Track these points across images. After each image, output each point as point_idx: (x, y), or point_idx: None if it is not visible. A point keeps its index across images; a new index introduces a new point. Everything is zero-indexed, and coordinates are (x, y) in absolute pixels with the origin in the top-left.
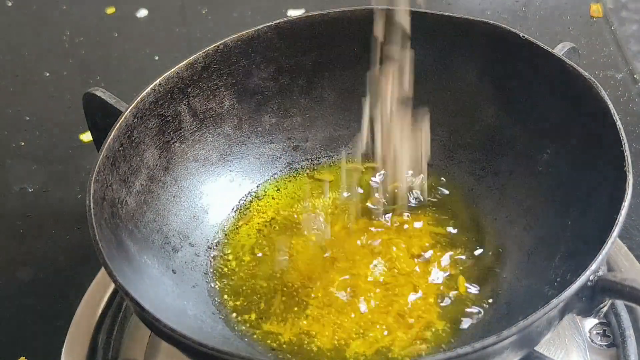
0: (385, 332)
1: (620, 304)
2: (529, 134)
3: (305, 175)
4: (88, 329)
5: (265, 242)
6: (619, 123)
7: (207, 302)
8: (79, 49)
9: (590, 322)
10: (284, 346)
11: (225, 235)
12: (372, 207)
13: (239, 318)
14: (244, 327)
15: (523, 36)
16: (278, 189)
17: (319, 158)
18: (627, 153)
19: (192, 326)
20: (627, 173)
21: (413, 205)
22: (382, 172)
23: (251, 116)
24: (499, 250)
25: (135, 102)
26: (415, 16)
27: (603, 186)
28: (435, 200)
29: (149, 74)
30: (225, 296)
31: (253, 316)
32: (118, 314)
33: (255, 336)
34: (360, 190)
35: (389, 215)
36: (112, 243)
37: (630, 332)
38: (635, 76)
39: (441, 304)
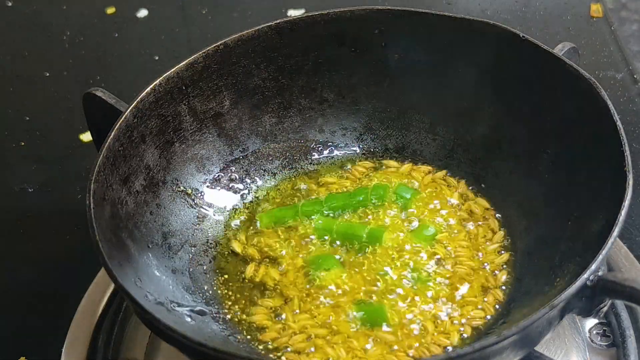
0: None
1: (620, 304)
2: (529, 134)
3: (305, 175)
4: (88, 329)
5: (266, 243)
6: (619, 123)
7: (207, 302)
8: (79, 49)
9: (590, 322)
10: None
11: (225, 235)
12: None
13: (239, 318)
14: (244, 328)
15: (523, 36)
16: (278, 189)
17: (319, 158)
18: (627, 153)
19: (192, 326)
20: (627, 173)
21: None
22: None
23: (251, 116)
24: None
25: (135, 102)
26: (415, 16)
27: (603, 186)
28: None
29: (149, 74)
30: (226, 296)
31: (253, 316)
32: (118, 314)
33: (255, 336)
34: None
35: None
36: (112, 243)
37: (630, 332)
38: (635, 76)
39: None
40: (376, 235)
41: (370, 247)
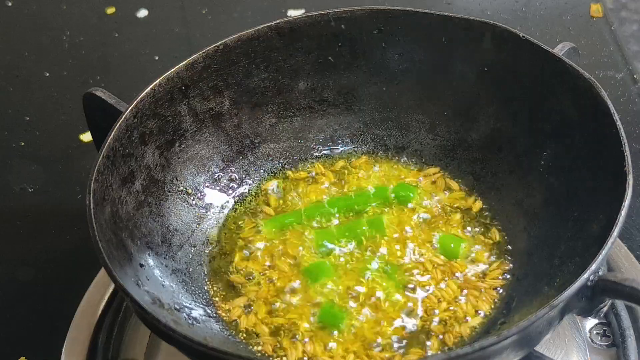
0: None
1: (620, 304)
2: (529, 134)
3: (305, 174)
4: (88, 329)
5: (266, 242)
6: (619, 123)
7: (207, 302)
8: (79, 49)
9: (590, 322)
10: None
11: (226, 235)
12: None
13: (239, 318)
14: (244, 327)
15: (523, 36)
16: (278, 189)
17: (319, 157)
18: (627, 153)
19: (192, 326)
20: (627, 173)
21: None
22: None
23: (251, 116)
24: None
25: (135, 102)
26: (415, 16)
27: (603, 186)
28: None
29: (149, 74)
30: (226, 296)
31: (253, 316)
32: (118, 314)
33: (255, 337)
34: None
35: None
36: (112, 243)
37: (630, 332)
38: (635, 76)
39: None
40: (376, 223)
41: (374, 236)
